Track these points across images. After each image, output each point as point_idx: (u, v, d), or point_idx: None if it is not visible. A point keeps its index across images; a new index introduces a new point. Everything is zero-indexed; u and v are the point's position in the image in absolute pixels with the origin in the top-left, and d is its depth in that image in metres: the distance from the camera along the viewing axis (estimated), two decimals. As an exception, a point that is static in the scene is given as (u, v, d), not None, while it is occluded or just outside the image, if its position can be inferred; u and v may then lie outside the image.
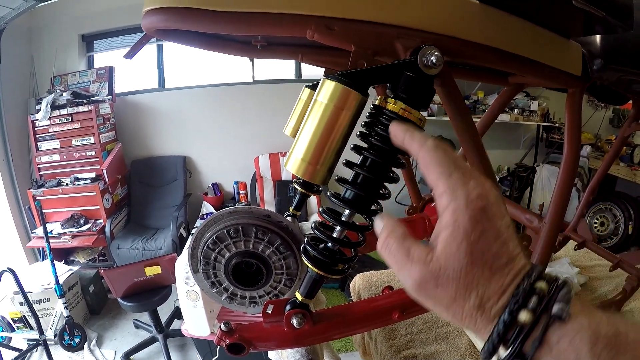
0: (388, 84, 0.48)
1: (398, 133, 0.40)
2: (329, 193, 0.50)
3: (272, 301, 0.56)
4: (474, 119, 0.62)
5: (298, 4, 0.47)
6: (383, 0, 0.50)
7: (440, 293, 0.31)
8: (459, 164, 0.34)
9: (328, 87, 0.45)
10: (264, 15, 0.47)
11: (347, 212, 0.49)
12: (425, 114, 0.49)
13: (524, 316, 0.28)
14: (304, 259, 0.51)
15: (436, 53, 0.47)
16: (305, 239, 0.52)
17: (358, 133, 0.49)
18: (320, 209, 0.50)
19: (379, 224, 0.38)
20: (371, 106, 0.48)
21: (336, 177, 0.50)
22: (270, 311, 0.56)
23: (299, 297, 0.54)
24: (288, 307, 0.55)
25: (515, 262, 0.31)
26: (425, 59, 0.47)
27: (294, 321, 0.54)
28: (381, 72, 0.47)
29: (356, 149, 0.48)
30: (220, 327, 0.55)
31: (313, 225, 0.51)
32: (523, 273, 0.30)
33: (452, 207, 0.32)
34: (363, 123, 0.49)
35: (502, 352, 0.30)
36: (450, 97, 0.56)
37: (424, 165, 0.35)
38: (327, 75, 0.46)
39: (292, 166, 0.46)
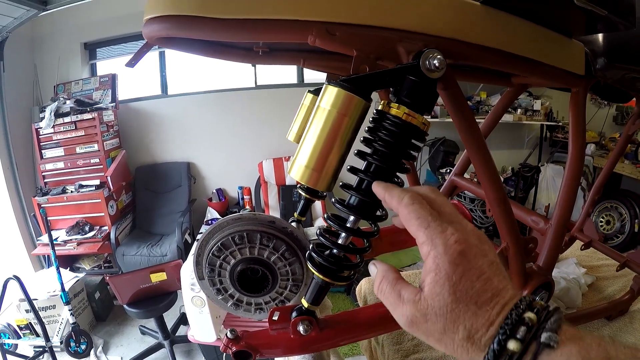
0: (391, 89, 0.48)
1: (379, 192, 0.43)
2: (333, 199, 0.50)
3: (278, 308, 0.56)
4: (477, 120, 0.62)
5: (298, 10, 0.47)
6: (384, 4, 0.49)
7: (430, 328, 0.35)
8: (435, 214, 0.37)
9: (331, 93, 0.44)
10: (264, 22, 0.47)
11: (352, 218, 0.48)
12: (428, 117, 0.49)
13: (512, 345, 0.30)
14: (310, 266, 0.51)
15: (439, 56, 0.46)
16: (311, 246, 0.52)
17: (362, 139, 0.49)
18: (325, 215, 0.50)
19: (373, 270, 0.43)
20: (374, 111, 0.48)
21: (340, 183, 0.49)
22: (276, 318, 0.55)
23: (305, 303, 0.53)
24: (294, 314, 0.54)
25: (502, 295, 0.33)
26: (427, 62, 0.46)
27: (301, 328, 0.53)
28: (384, 77, 0.46)
29: (360, 154, 0.48)
30: (226, 334, 0.55)
31: (318, 231, 0.51)
32: (511, 304, 0.33)
33: (432, 254, 0.35)
34: (367, 128, 0.49)
35: None
36: (453, 100, 0.55)
37: (403, 220, 0.39)
38: (330, 81, 0.45)
39: (296, 173, 0.45)
